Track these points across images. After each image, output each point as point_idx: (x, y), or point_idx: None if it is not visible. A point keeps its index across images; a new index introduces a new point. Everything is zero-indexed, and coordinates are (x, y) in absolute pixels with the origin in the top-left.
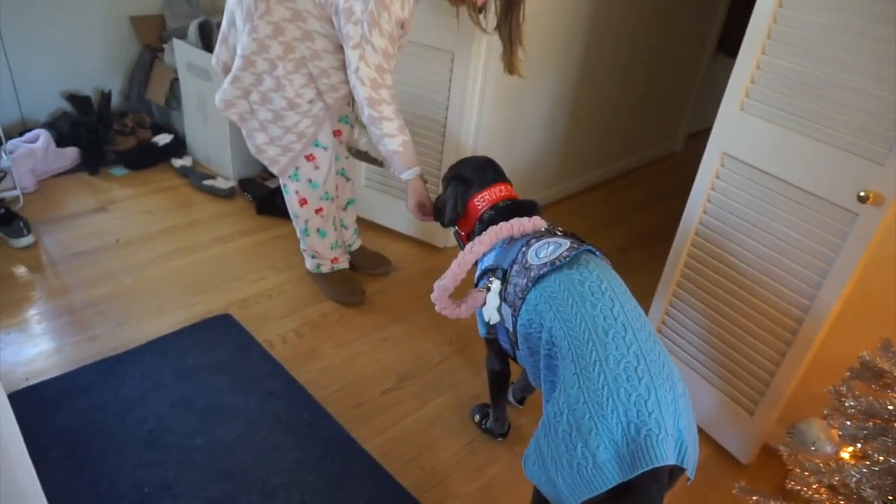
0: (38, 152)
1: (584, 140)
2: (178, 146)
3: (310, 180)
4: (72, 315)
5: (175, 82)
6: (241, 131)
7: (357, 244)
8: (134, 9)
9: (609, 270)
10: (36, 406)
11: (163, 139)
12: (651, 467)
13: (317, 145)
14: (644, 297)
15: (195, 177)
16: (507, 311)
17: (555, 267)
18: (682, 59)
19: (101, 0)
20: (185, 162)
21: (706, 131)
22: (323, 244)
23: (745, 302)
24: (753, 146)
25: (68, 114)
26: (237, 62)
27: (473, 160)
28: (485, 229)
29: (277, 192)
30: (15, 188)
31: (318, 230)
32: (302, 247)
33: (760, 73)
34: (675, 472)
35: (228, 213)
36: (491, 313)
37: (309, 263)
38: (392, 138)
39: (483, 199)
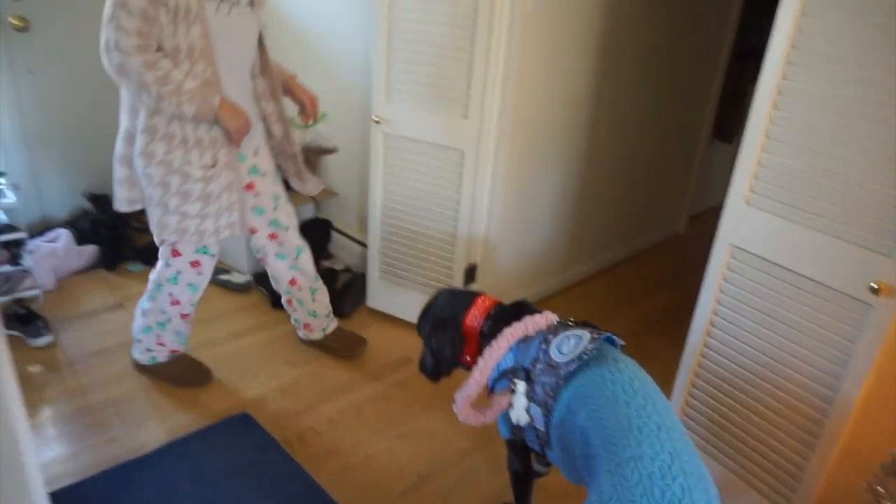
0: (59, 252)
1: (590, 226)
2: None
3: (190, 284)
4: (90, 416)
5: None
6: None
7: (332, 327)
8: None
9: (636, 366)
10: None
11: None
12: None
13: (204, 252)
14: (662, 383)
15: None
16: (536, 410)
17: (583, 362)
18: (680, 145)
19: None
20: None
21: (707, 212)
22: (176, 342)
23: (767, 393)
24: (762, 239)
25: (88, 212)
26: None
27: (438, 299)
28: (489, 340)
29: None
30: (36, 288)
31: (176, 332)
32: (140, 337)
33: (763, 170)
34: None
35: (243, 307)
36: (520, 415)
37: (142, 357)
38: (186, 82)
39: (474, 316)
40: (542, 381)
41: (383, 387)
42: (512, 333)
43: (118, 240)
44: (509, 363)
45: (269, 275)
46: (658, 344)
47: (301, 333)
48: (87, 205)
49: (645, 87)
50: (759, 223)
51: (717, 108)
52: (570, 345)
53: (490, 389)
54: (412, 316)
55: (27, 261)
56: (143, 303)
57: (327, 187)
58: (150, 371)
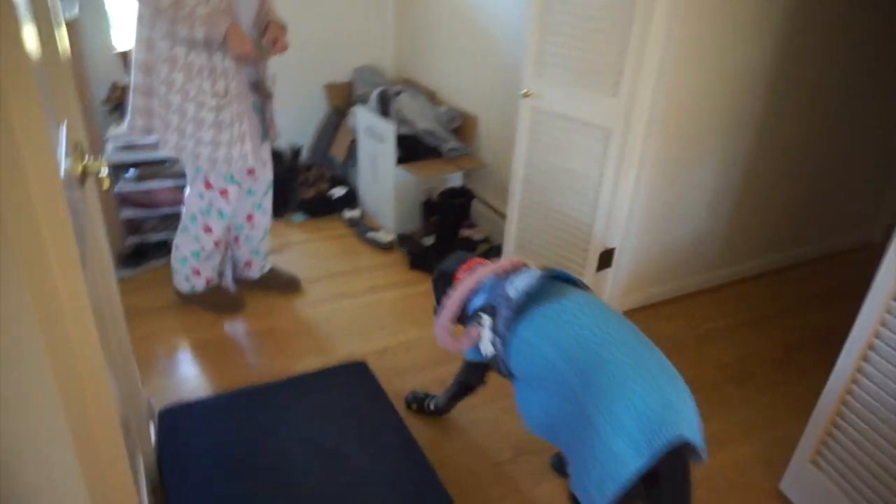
0: None
1: (753, 223)
2: (351, 199)
3: (220, 212)
4: (238, 341)
5: (354, 142)
6: (403, 190)
7: (268, 267)
8: (329, 77)
9: (585, 294)
10: (188, 420)
11: (338, 192)
12: (666, 442)
13: (232, 181)
14: (802, 411)
15: (361, 228)
16: (499, 342)
17: (529, 296)
18: (883, 138)
19: (302, 71)
20: (354, 214)
21: None
22: (210, 269)
23: None
24: None
25: None
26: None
27: (448, 259)
28: None
29: (430, 250)
30: None
31: (208, 258)
32: (177, 267)
33: None
34: (688, 455)
35: (385, 264)
36: (486, 347)
37: (183, 287)
38: (198, 7)
39: (462, 271)
40: (502, 315)
41: None
42: (481, 272)
43: (286, 192)
44: (480, 302)
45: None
46: (808, 364)
47: (237, 272)
48: None
49: (840, 68)
50: None
51: None
52: (525, 281)
53: (466, 326)
54: None
55: None
56: (177, 237)
57: (477, 156)
58: (190, 299)
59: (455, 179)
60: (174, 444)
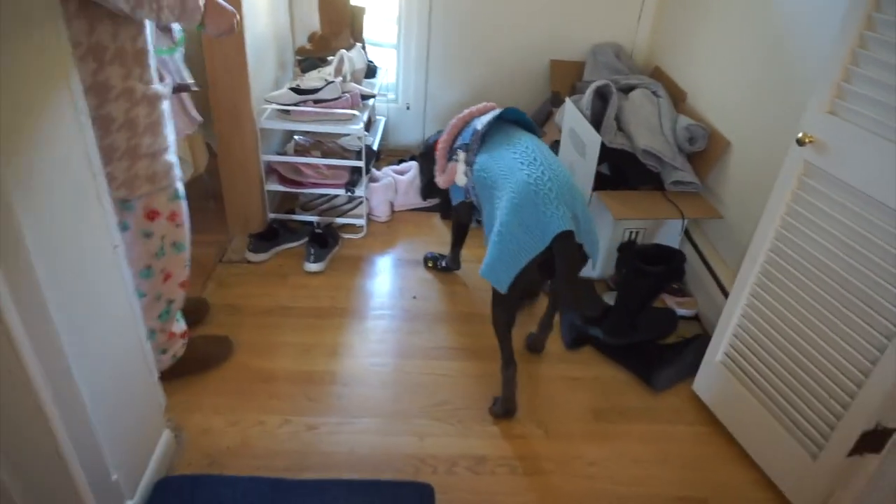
0: (400, 186)
1: None
2: None
3: (174, 244)
4: (309, 386)
5: (556, 144)
6: (597, 222)
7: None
8: (558, 53)
9: (530, 136)
10: (179, 499)
11: None
12: (558, 232)
13: (179, 197)
14: None
15: None
16: (469, 171)
17: (485, 131)
18: None
19: (528, 39)
20: None
21: None
22: (179, 323)
23: None
24: None
25: None
26: None
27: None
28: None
29: (609, 314)
30: (362, 217)
31: (178, 310)
32: (153, 341)
33: None
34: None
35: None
36: (461, 178)
37: (164, 363)
38: None
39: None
40: (473, 148)
41: None
42: (458, 118)
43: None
44: (460, 142)
45: None
46: None
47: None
48: None
49: None
50: None
51: None
52: (485, 118)
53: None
54: (751, 443)
55: (361, 190)
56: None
57: (713, 200)
58: (176, 370)
59: (673, 227)
60: None
